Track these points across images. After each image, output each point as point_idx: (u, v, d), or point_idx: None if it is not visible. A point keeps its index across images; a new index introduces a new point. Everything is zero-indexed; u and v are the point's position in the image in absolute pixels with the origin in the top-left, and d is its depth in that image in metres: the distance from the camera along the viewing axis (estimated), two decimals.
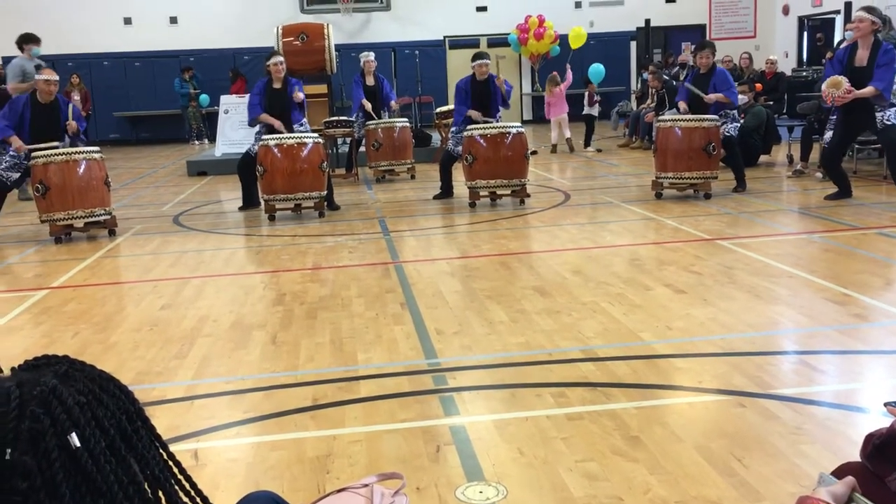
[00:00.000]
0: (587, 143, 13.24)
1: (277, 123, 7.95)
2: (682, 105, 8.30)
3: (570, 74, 13.23)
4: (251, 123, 8.33)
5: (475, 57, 8.41)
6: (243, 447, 2.98)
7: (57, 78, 7.43)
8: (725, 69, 8.80)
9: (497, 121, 8.37)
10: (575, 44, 14.85)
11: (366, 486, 1.75)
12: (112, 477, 0.94)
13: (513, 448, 2.81)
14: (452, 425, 3.04)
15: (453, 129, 8.70)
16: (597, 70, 14.08)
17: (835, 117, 7.46)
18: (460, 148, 8.20)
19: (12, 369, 1.01)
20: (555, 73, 13.64)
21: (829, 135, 7.51)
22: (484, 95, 8.33)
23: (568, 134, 13.16)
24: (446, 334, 4.13)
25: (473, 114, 8.27)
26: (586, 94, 13.77)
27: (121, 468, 0.96)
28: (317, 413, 3.21)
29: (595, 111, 13.62)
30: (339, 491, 1.78)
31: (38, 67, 8.37)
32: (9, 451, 0.90)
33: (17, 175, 7.34)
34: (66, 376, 0.98)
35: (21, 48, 9.83)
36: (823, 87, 7.34)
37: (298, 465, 2.77)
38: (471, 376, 3.58)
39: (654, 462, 2.66)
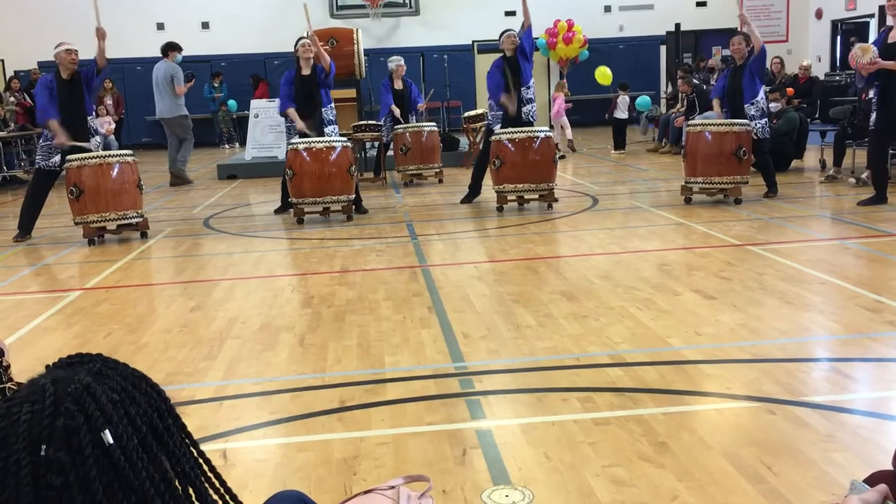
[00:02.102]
0: (622, 147, 13.55)
1: (300, 125, 8.02)
2: (716, 104, 8.22)
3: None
4: (281, 113, 8.55)
5: (502, 33, 8.46)
6: (271, 448, 3.01)
7: (77, 48, 7.43)
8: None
9: (530, 88, 8.35)
10: (602, 81, 15.10)
11: (392, 487, 1.76)
12: (144, 473, 0.95)
13: (539, 452, 2.80)
14: (479, 429, 3.04)
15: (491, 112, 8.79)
16: (644, 102, 14.65)
17: (874, 99, 7.38)
18: (498, 127, 8.23)
19: (47, 367, 1.03)
20: (564, 81, 14.84)
21: (873, 116, 7.42)
22: (514, 71, 8.31)
23: (569, 135, 14.16)
24: (473, 338, 4.13)
25: (507, 105, 8.27)
26: (615, 99, 13.88)
27: (152, 465, 0.97)
28: (344, 415, 3.23)
29: (625, 115, 13.76)
30: (365, 492, 1.78)
31: (187, 75, 11.63)
32: (44, 447, 0.92)
33: (58, 157, 7.38)
34: (99, 374, 1.00)
35: (166, 54, 11.60)
36: (854, 49, 7.36)
37: (325, 466, 2.79)
38: (497, 380, 3.58)
39: (682, 468, 2.64)
